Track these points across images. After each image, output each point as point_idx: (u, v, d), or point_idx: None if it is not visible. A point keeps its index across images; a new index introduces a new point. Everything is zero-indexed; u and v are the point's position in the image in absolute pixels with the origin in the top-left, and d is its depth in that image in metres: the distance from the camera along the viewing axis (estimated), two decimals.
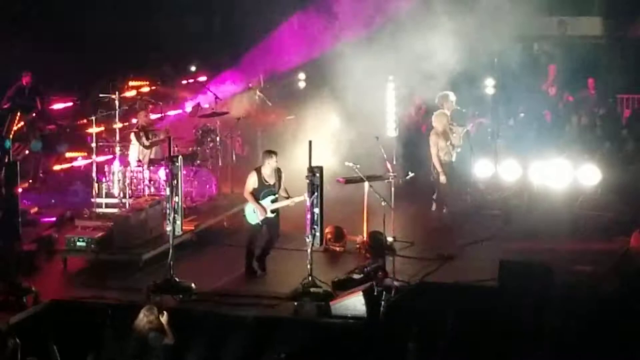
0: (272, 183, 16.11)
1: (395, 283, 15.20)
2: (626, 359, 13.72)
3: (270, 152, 16.22)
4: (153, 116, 20.05)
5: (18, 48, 21.72)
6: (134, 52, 24.06)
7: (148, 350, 12.89)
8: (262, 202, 16.00)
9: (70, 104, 21.92)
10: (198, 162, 19.49)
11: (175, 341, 13.07)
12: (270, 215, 16.08)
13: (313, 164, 14.83)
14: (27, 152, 20.42)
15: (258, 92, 22.43)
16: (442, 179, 18.78)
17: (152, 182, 18.79)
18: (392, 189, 17.18)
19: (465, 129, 19.86)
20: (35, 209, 19.05)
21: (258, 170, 16.04)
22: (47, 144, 21.11)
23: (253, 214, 16.07)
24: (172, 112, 22.15)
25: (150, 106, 20.83)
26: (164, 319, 13.06)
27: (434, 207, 19.91)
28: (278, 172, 16.12)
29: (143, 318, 12.93)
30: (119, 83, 22.68)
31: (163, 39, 24.68)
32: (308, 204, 14.81)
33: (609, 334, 13.79)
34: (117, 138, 19.21)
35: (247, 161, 21.44)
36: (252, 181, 16.00)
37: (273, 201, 16.07)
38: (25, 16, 22.86)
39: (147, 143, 18.95)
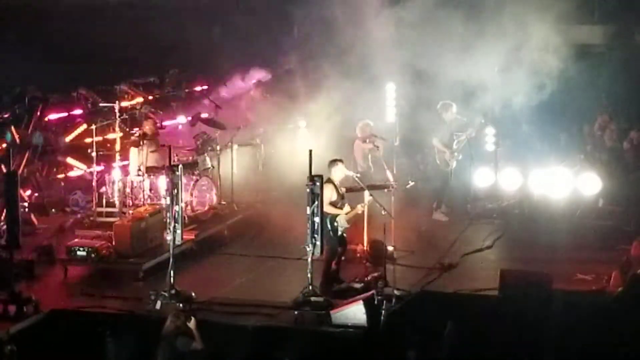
0: (344, 192, 16.13)
1: (396, 292, 15.19)
2: None
3: (336, 161, 16.14)
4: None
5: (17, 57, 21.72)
6: (132, 62, 24.07)
7: (178, 355, 12.88)
8: (343, 212, 15.92)
9: (66, 114, 21.85)
10: (198, 171, 19.46)
11: (203, 346, 13.07)
12: (348, 225, 16.05)
13: (313, 173, 14.85)
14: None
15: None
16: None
17: (152, 191, 18.78)
18: (393, 197, 17.18)
19: (465, 137, 19.89)
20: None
21: (331, 182, 15.80)
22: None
23: (336, 226, 15.83)
24: (171, 122, 22.15)
25: (151, 115, 20.86)
26: (191, 324, 13.06)
27: (434, 215, 19.98)
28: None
29: (170, 324, 12.93)
30: (120, 92, 22.69)
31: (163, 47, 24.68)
32: (309, 212, 14.83)
33: (610, 343, 13.79)
34: (118, 147, 19.19)
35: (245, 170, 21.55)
36: (329, 194, 15.60)
37: (348, 211, 16.08)
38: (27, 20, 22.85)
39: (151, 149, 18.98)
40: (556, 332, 13.87)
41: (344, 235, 15.97)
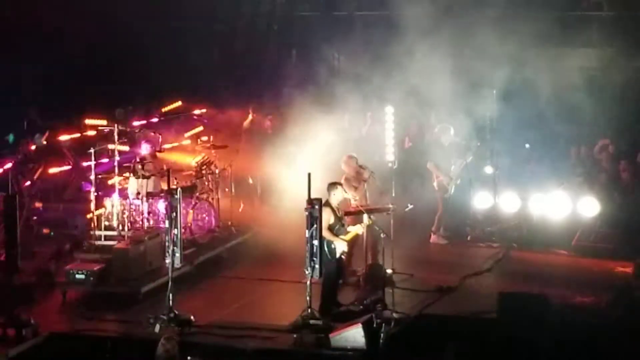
0: (342, 215, 16.14)
1: (395, 315, 15.19)
2: None
3: (335, 184, 16.14)
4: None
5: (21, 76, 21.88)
6: (132, 85, 24.14)
7: None
8: (341, 236, 15.89)
9: (68, 137, 21.89)
10: (197, 194, 19.48)
11: None
12: (346, 249, 16.01)
13: (312, 196, 14.89)
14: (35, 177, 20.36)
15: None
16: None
17: (151, 215, 18.79)
18: (392, 220, 17.18)
19: (463, 161, 19.92)
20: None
21: (329, 205, 15.73)
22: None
23: (334, 249, 15.73)
24: (170, 145, 22.16)
25: (150, 137, 20.89)
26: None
27: (433, 238, 20.00)
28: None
29: (161, 347, 12.90)
30: (120, 115, 22.75)
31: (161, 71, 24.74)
32: (307, 235, 14.84)
33: None
34: (117, 170, 19.18)
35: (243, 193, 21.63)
36: (327, 217, 15.50)
37: (346, 233, 16.10)
38: (28, 43, 22.96)
39: (146, 174, 18.97)
40: (555, 355, 13.86)
41: (342, 257, 15.97)
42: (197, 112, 23.96)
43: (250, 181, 21.97)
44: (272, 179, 21.10)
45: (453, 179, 19.92)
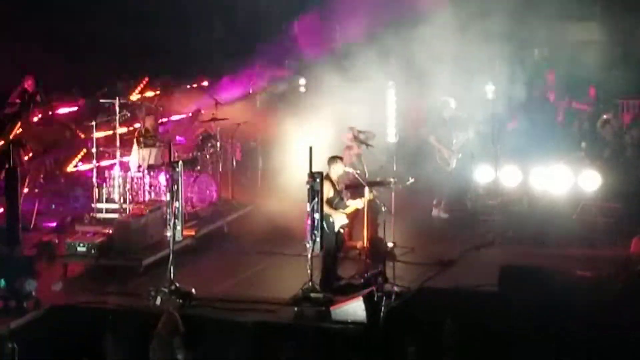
0: (341, 189, 16.13)
1: (396, 288, 15.22)
2: None
3: (335, 158, 16.15)
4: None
5: (20, 50, 21.80)
6: (133, 58, 24.08)
7: (173, 353, 12.91)
8: (341, 210, 15.91)
9: (75, 108, 21.92)
10: (198, 167, 19.48)
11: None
12: (346, 221, 16.04)
13: (313, 170, 14.88)
14: (26, 157, 20.34)
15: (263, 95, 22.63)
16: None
17: (152, 188, 18.80)
18: (393, 194, 17.17)
19: (467, 135, 19.91)
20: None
21: (328, 178, 15.69)
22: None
23: (332, 223, 15.73)
24: (173, 118, 22.19)
25: (152, 110, 20.89)
26: None
27: (434, 212, 20.01)
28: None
29: (168, 318, 12.96)
30: (122, 88, 22.71)
31: (164, 44, 24.68)
32: (309, 209, 14.84)
33: (610, 338, 13.81)
34: (118, 143, 19.17)
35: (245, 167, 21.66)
36: (326, 190, 15.42)
37: (346, 207, 16.09)
38: (28, 18, 22.89)
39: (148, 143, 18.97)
40: (556, 328, 13.89)
41: (341, 231, 15.97)
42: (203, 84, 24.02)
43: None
44: (274, 151, 21.11)
45: (455, 152, 19.90)
